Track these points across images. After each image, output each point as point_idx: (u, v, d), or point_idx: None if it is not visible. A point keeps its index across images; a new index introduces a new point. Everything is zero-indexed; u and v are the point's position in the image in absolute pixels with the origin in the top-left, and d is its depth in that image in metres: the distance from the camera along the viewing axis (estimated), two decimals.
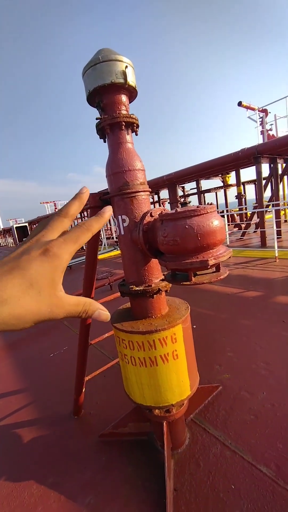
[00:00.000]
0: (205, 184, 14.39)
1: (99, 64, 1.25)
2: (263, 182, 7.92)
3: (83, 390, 2.09)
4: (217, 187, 14.13)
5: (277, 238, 6.53)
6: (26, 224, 16.57)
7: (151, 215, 1.31)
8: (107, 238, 12.95)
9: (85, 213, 19.22)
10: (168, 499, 1.39)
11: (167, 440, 1.59)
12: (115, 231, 15.73)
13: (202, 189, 13.59)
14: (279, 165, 8.77)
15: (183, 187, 15.62)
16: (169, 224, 1.09)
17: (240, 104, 10.90)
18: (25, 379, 2.93)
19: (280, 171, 8.93)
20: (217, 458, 1.63)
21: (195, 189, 13.49)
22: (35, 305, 0.32)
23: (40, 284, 0.32)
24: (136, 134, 1.47)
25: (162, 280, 1.51)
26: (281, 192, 10.19)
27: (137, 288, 1.44)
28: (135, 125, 1.41)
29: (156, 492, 1.49)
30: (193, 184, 14.07)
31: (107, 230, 16.51)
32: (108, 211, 0.44)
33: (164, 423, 1.60)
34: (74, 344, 3.52)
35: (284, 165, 9.23)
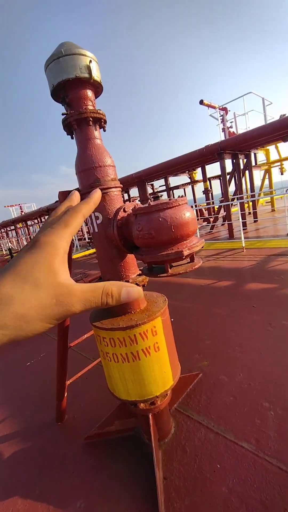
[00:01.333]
0: (173, 180, 14.71)
1: (62, 57, 1.22)
2: (227, 177, 8.30)
3: (65, 395, 2.04)
4: (185, 183, 14.50)
5: (243, 229, 6.91)
6: None
7: (124, 211, 1.32)
8: (79, 239, 12.65)
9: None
10: (159, 488, 1.43)
11: (154, 432, 1.62)
12: (87, 232, 15.42)
13: (171, 185, 13.86)
14: (241, 161, 9.27)
15: (152, 185, 15.80)
16: (143, 218, 1.11)
17: (201, 102, 11.27)
18: (1, 392, 2.77)
19: (242, 166, 9.44)
20: (202, 441, 1.70)
21: (164, 186, 13.72)
22: (35, 298, 0.29)
23: (35, 276, 0.30)
24: (104, 130, 1.46)
25: (139, 275, 1.53)
26: (244, 186, 10.79)
27: None
28: (102, 120, 1.39)
29: (146, 484, 1.52)
30: (161, 182, 14.30)
31: (79, 231, 16.13)
32: (97, 192, 0.42)
33: (150, 415, 1.62)
34: (52, 349, 3.42)
35: (245, 160, 9.76)
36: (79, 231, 16.34)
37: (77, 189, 1.47)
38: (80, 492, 1.56)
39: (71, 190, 1.46)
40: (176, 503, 1.39)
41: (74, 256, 9.62)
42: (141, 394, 1.49)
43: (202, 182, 11.73)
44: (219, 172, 13.95)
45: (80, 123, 1.34)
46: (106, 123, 1.43)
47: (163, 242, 1.09)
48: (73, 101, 1.33)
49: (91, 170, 1.35)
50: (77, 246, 12.22)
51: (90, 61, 1.27)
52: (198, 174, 14.12)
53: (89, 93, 1.36)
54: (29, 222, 21.37)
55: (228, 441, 1.66)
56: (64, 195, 1.46)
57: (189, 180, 14.36)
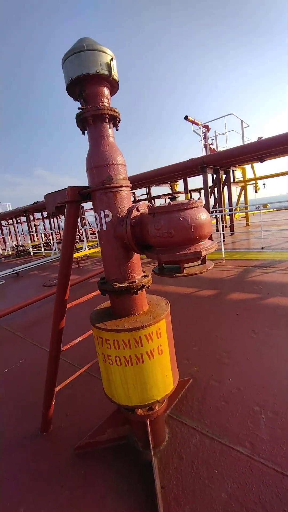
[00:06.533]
0: (155, 190, 14.99)
1: (83, 52, 1.21)
2: (209, 190, 8.65)
3: (53, 403, 1.91)
4: (167, 194, 14.84)
5: (223, 241, 7.19)
6: None
7: (138, 210, 1.31)
8: (58, 243, 12.23)
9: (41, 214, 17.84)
10: (158, 498, 1.38)
11: (152, 439, 1.57)
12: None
13: (152, 195, 14.10)
14: (221, 176, 9.73)
15: (133, 193, 15.92)
16: (163, 217, 1.11)
17: (186, 118, 11.74)
18: None
19: (221, 182, 9.90)
20: (198, 447, 1.68)
21: (145, 195, 13.92)
22: None
23: None
24: (117, 129, 1.46)
25: (144, 276, 1.51)
26: (222, 200, 11.29)
27: (120, 285, 1.41)
28: (117, 119, 1.39)
29: (143, 494, 1.46)
30: (143, 190, 14.50)
31: (57, 234, 15.61)
32: None
33: (148, 421, 1.58)
34: (32, 355, 3.23)
35: (224, 176, 10.27)
36: (57, 234, 15.79)
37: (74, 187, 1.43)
38: (71, 506, 1.45)
39: (85, 187, 1.43)
40: None
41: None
42: (142, 398, 1.45)
43: (183, 194, 12.08)
44: (197, 186, 14.49)
45: (95, 119, 1.32)
46: (120, 122, 1.43)
47: (182, 241, 1.10)
48: (90, 96, 1.31)
49: (104, 167, 1.34)
50: (55, 250, 11.79)
51: (111, 59, 1.27)
52: (179, 185, 14.55)
53: (106, 90, 1.36)
54: (3, 223, 20.30)
55: (223, 446, 1.66)
56: (73, 191, 1.42)
57: (170, 191, 14.72)
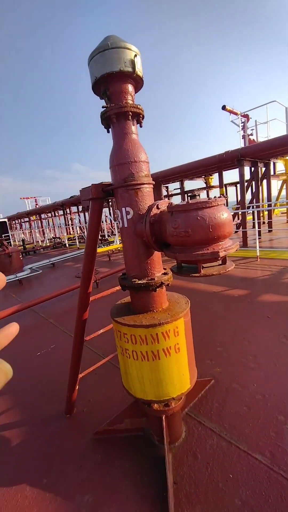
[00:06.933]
0: (189, 184, 14.64)
1: (107, 50, 1.22)
2: (245, 184, 8.20)
3: (77, 388, 2.04)
4: (200, 188, 14.41)
5: (258, 238, 6.79)
6: (6, 220, 15.85)
7: (158, 207, 1.31)
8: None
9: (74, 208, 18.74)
10: (170, 492, 1.39)
11: (167, 434, 1.59)
12: (107, 228, 15.48)
13: (186, 189, 13.80)
14: (259, 169, 9.14)
15: (167, 187, 15.77)
16: (181, 215, 1.09)
17: (224, 108, 11.19)
18: (11, 381, 2.79)
19: (260, 175, 9.30)
20: (214, 449, 1.66)
21: (179, 189, 13.67)
22: None
23: None
24: (141, 126, 1.45)
25: (164, 273, 1.51)
26: (260, 195, 10.62)
27: (139, 282, 1.42)
28: (141, 116, 1.39)
29: (155, 486, 1.49)
30: (176, 184, 14.26)
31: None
32: (12, 327, 0.35)
33: (163, 417, 1.60)
34: (62, 342, 3.44)
35: (263, 169, 9.62)
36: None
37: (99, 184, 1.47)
38: (87, 487, 1.55)
39: (107, 183, 1.46)
40: (187, 510, 1.35)
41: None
42: (157, 394, 1.47)
43: (218, 188, 11.62)
44: (233, 180, 13.80)
45: (119, 117, 1.34)
46: (143, 118, 1.43)
47: (199, 241, 1.07)
48: (113, 94, 1.33)
49: (126, 164, 1.35)
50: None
51: (135, 55, 1.27)
52: (214, 179, 14.02)
53: (130, 87, 1.36)
54: (42, 216, 21.68)
55: (241, 451, 1.61)
56: (97, 188, 1.46)
57: (204, 185, 14.26)
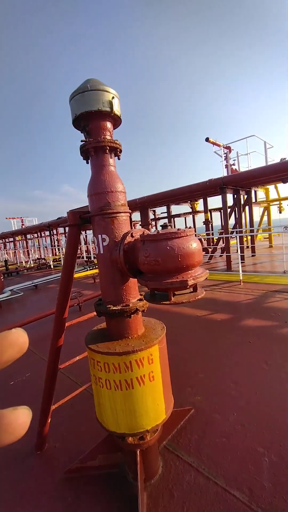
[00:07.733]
0: (175, 209, 15.15)
1: (87, 92, 1.33)
2: (228, 210, 8.58)
3: (49, 421, 1.92)
4: (186, 213, 14.91)
5: (241, 262, 6.98)
6: None
7: (132, 236, 1.35)
8: (77, 257, 12.64)
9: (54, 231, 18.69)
10: None
11: (141, 471, 1.50)
12: (85, 251, 15.47)
13: (172, 213, 14.24)
14: (241, 196, 9.64)
15: (154, 211, 16.20)
16: (151, 245, 1.13)
17: (207, 140, 11.97)
18: None
19: (242, 202, 9.79)
20: (191, 486, 1.58)
21: (166, 213, 14.08)
22: None
23: None
24: (119, 159, 1.54)
25: (140, 300, 1.52)
26: (243, 220, 11.09)
27: (114, 308, 1.42)
28: (118, 150, 1.48)
29: None
30: (163, 209, 14.70)
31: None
32: (12, 334, 0.27)
33: (138, 451, 1.52)
34: (39, 369, 3.27)
35: (245, 196, 10.16)
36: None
37: (76, 210, 1.52)
38: None
39: (84, 211, 1.51)
40: None
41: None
42: (131, 426, 1.41)
43: (203, 213, 12.07)
44: (218, 205, 14.43)
45: (97, 151, 1.42)
46: (121, 152, 1.52)
47: (169, 270, 1.11)
48: (92, 130, 1.42)
49: (102, 194, 1.41)
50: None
51: (113, 97, 1.38)
52: (199, 204, 14.59)
53: (108, 124, 1.46)
54: (28, 236, 21.47)
55: (219, 488, 1.54)
56: (75, 215, 1.51)
57: (190, 210, 14.78)
